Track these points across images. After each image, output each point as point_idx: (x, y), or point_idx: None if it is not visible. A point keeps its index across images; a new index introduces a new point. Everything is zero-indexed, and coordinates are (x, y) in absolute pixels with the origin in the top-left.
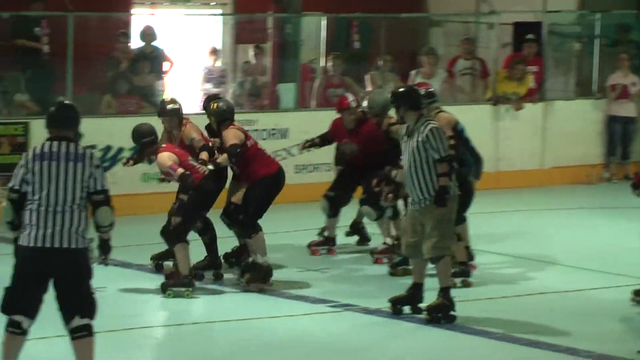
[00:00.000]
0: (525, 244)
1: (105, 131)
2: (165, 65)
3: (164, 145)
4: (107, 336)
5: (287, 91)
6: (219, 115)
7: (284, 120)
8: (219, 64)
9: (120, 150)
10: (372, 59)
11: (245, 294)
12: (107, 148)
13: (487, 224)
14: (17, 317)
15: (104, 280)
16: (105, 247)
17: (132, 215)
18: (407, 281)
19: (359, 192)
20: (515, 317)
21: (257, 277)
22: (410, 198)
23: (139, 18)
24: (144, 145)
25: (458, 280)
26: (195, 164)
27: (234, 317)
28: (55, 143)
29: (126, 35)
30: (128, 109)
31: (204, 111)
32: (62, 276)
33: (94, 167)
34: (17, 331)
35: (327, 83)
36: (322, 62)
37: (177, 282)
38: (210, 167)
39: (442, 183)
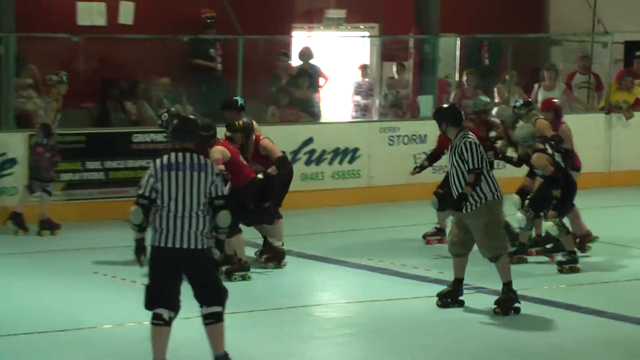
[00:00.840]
0: (633, 234)
1: (270, 137)
2: (321, 81)
3: (221, 140)
4: (273, 314)
5: (426, 102)
6: (246, 129)
7: (422, 127)
8: (367, 79)
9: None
10: (499, 74)
11: (377, 277)
12: None
13: (599, 217)
14: (160, 310)
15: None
16: (220, 246)
17: (292, 210)
18: (521, 268)
19: None
20: (622, 298)
21: (273, 258)
22: None
23: (298, 40)
24: (205, 139)
25: (567, 267)
26: (245, 162)
27: (384, 297)
28: (180, 154)
29: (287, 55)
30: (288, 118)
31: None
32: (192, 272)
33: (214, 176)
34: (160, 323)
35: (462, 95)
36: (456, 77)
37: (239, 267)
38: (260, 176)
39: (464, 190)
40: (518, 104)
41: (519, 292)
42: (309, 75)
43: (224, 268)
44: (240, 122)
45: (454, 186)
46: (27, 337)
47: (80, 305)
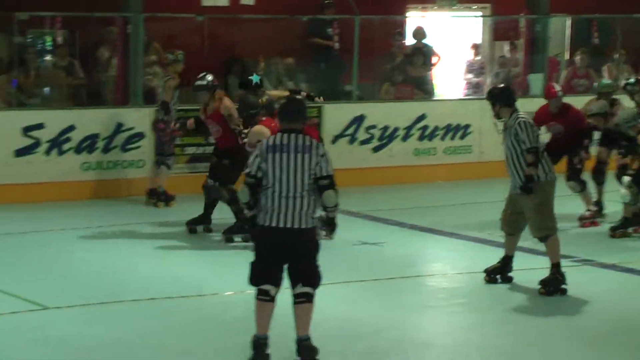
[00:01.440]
0: None
1: (384, 113)
2: (434, 59)
3: (263, 118)
4: (386, 283)
5: (536, 80)
6: (269, 107)
7: (532, 105)
8: (478, 57)
9: (396, 129)
10: (608, 53)
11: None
12: (385, 127)
13: None
14: (265, 286)
15: (384, 236)
16: (331, 225)
17: (405, 184)
18: (625, 243)
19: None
20: None
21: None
22: (511, 183)
23: (412, 19)
24: (250, 116)
25: None
26: None
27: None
28: (285, 135)
29: (401, 34)
30: (403, 95)
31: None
32: (293, 250)
33: (319, 156)
34: (266, 298)
35: (573, 74)
36: (566, 56)
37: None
38: None
39: (527, 172)
40: (631, 81)
41: (622, 265)
42: (422, 54)
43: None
44: (263, 100)
45: (512, 168)
46: (152, 302)
47: (204, 273)
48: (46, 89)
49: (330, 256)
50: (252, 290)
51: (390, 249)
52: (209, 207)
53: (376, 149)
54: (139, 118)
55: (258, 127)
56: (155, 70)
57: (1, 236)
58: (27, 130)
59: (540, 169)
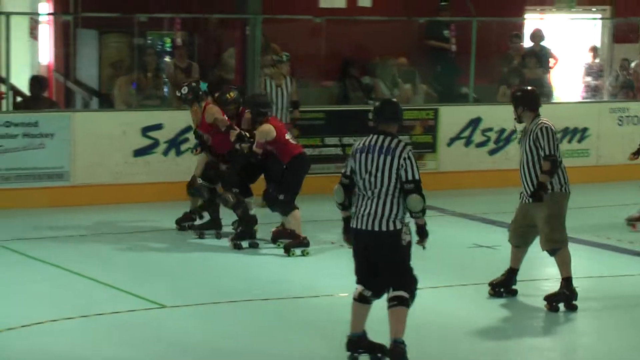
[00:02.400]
0: None
1: (500, 116)
2: (551, 62)
3: (269, 117)
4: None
5: None
6: (237, 101)
7: None
8: (597, 60)
9: (513, 132)
10: None
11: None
12: (501, 130)
13: None
14: (359, 287)
15: (499, 239)
16: (420, 232)
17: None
18: None
19: None
20: None
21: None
22: (522, 191)
23: (530, 22)
24: (259, 114)
25: None
26: (291, 139)
27: (613, 274)
28: (374, 137)
29: (519, 37)
30: None
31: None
32: (380, 254)
33: (403, 159)
34: (358, 299)
35: None
36: None
37: (298, 242)
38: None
39: (541, 179)
40: None
41: None
42: (539, 57)
43: (282, 242)
44: (231, 95)
45: (525, 175)
46: (261, 303)
47: (316, 273)
48: (165, 90)
49: (444, 258)
50: None
51: (505, 252)
52: (213, 211)
53: (492, 152)
54: None
55: (266, 126)
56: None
57: (122, 235)
58: (146, 130)
59: (555, 180)
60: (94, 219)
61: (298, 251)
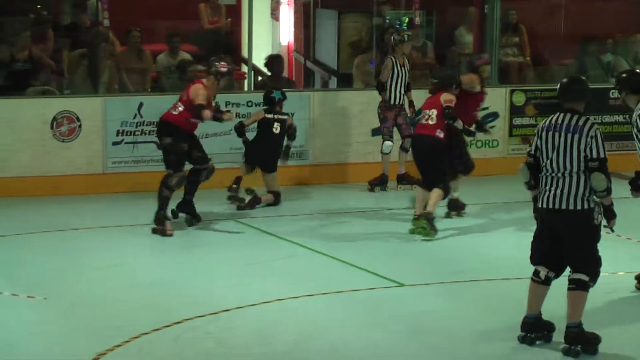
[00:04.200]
0: None
1: None
2: None
3: None
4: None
5: None
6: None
7: None
8: None
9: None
10: None
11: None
12: None
13: None
14: (538, 268)
15: None
16: (607, 212)
17: None
18: None
19: None
20: None
21: None
22: None
23: None
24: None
25: None
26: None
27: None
28: (561, 115)
29: None
30: None
31: None
32: (567, 234)
33: (590, 137)
34: (537, 279)
35: None
36: None
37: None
38: None
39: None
40: None
41: None
42: None
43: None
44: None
45: None
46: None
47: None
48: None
49: None
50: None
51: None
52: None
53: None
54: (494, 97)
55: None
56: (514, 51)
57: (347, 214)
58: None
59: None
60: (330, 197)
61: None
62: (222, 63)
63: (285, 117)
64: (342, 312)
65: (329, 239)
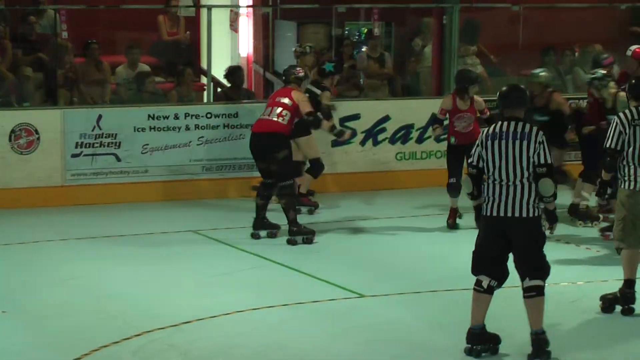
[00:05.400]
0: None
1: None
2: None
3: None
4: None
5: None
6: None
7: None
8: None
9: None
10: None
11: None
12: None
13: None
14: (480, 277)
15: None
16: (550, 216)
17: None
18: None
19: None
20: None
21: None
22: None
23: None
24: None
25: None
26: None
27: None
28: (505, 123)
29: None
30: None
31: None
32: (516, 241)
33: (537, 143)
34: (479, 289)
35: None
36: None
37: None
38: None
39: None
40: None
41: None
42: None
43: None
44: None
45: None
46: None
47: None
48: (361, 80)
49: None
50: (582, 282)
51: None
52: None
53: None
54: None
55: None
56: (473, 61)
57: (314, 224)
58: (343, 120)
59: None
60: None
61: None
62: (298, 69)
63: (318, 91)
64: (303, 323)
65: (291, 251)
